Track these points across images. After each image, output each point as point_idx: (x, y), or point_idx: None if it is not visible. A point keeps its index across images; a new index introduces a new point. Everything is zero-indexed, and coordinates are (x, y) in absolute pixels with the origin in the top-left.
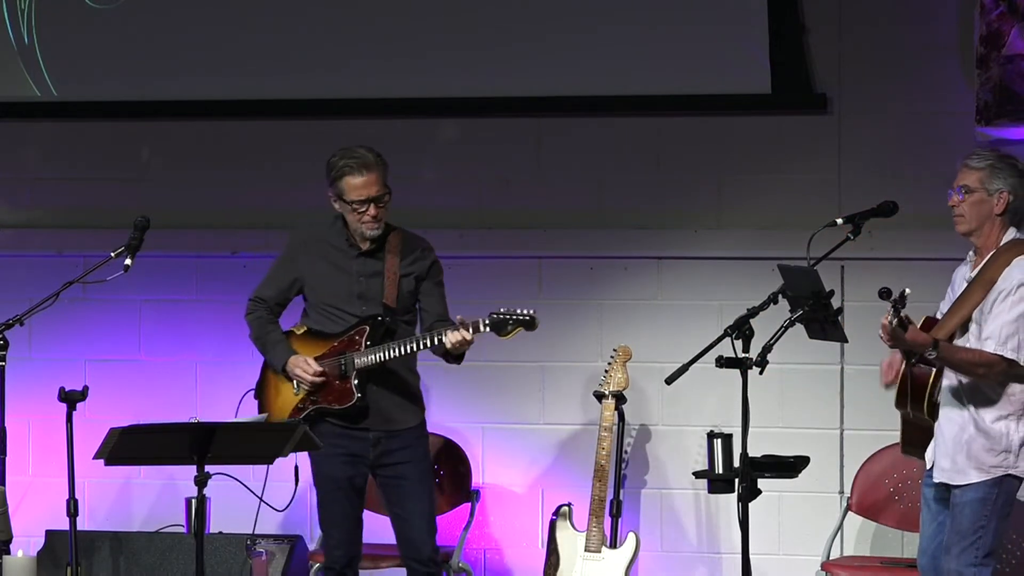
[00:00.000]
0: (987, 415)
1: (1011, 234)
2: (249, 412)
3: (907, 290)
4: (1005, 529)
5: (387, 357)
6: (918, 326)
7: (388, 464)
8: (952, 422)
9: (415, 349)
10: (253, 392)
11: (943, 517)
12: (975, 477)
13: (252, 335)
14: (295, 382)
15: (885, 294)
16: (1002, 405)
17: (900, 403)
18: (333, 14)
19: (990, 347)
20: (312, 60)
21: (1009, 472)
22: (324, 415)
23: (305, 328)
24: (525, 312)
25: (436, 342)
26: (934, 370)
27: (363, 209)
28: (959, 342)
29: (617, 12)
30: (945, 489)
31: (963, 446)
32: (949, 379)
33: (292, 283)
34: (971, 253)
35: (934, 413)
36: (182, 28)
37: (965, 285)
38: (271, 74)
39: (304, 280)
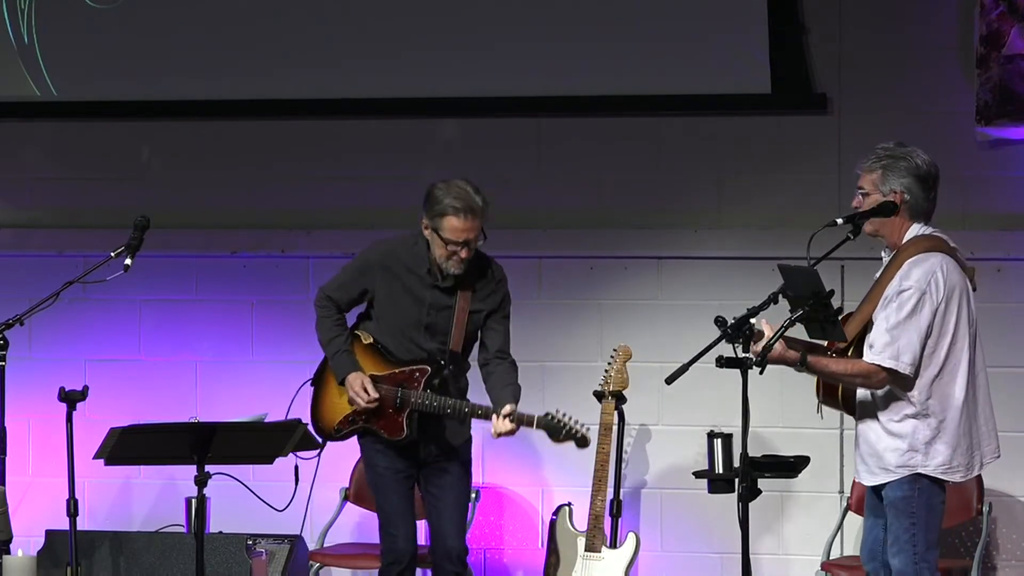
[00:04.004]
0: (893, 415)
1: (914, 230)
2: (305, 402)
3: (735, 319)
4: (939, 523)
5: (440, 411)
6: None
7: (434, 463)
8: (865, 424)
9: (467, 413)
10: (310, 381)
11: (878, 513)
12: (884, 477)
13: (319, 331)
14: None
15: (720, 322)
16: (905, 405)
17: (819, 399)
18: (333, 14)
19: (870, 355)
20: (312, 60)
21: (918, 471)
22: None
23: (372, 339)
24: (579, 428)
25: (487, 418)
26: None
27: (456, 250)
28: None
29: (617, 12)
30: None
31: (873, 448)
32: None
33: (362, 294)
34: (885, 249)
35: (853, 409)
36: (182, 28)
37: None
38: (270, 74)
39: (375, 296)
